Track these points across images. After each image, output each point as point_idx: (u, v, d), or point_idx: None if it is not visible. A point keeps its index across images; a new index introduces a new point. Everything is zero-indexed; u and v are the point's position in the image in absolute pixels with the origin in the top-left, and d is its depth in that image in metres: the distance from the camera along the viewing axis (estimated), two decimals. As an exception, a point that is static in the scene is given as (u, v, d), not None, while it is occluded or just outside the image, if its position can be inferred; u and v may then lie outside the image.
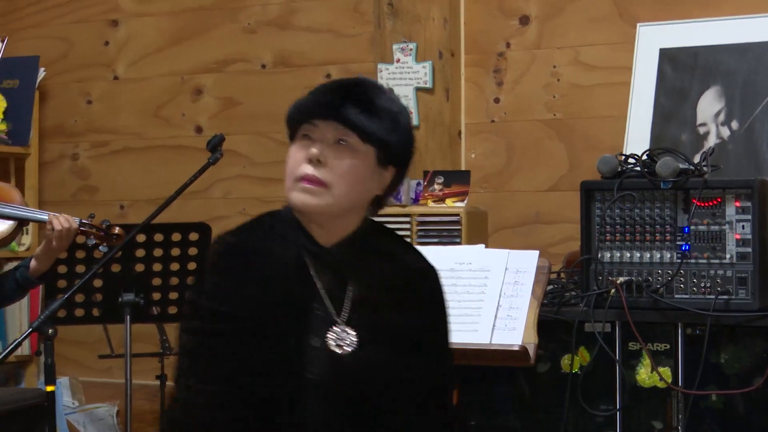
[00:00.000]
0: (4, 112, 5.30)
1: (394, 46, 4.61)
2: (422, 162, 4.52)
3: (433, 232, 4.11)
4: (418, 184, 4.34)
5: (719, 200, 3.55)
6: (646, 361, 3.57)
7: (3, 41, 3.63)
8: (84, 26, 5.44)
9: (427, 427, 2.62)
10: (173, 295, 4.23)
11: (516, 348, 3.34)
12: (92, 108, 5.45)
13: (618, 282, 3.57)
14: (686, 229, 3.58)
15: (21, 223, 3.94)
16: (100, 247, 3.85)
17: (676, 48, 4.21)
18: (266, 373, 2.53)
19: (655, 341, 3.59)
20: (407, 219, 4.14)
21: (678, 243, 3.59)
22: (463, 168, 4.62)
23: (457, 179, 4.23)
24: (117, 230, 3.87)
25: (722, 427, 3.54)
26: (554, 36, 4.58)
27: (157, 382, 4.60)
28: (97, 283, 4.15)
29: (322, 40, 4.95)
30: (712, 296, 3.51)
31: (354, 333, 2.57)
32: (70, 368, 5.32)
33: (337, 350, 2.56)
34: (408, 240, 4.07)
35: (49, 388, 3.74)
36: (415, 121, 4.57)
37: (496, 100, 4.67)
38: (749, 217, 3.52)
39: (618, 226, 3.66)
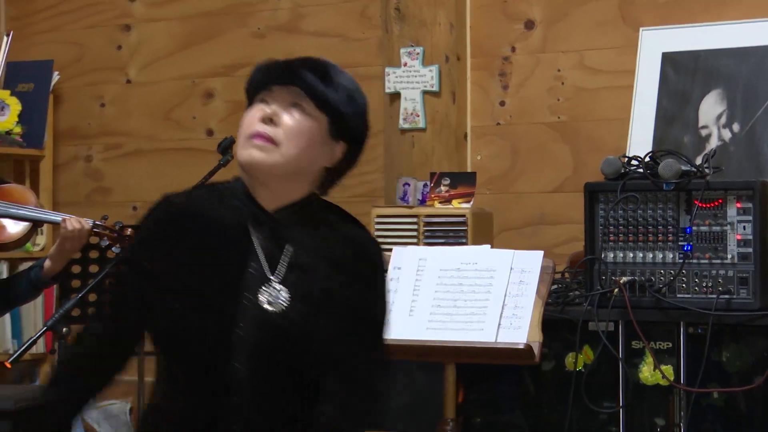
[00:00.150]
0: (20, 115, 5.30)
1: (402, 50, 4.61)
2: (429, 164, 4.52)
3: (439, 233, 4.11)
4: (425, 185, 4.33)
5: (721, 201, 3.55)
6: (649, 359, 3.56)
7: (8, 36, 3.63)
8: (97, 31, 5.44)
9: (333, 397, 2.59)
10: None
11: (521, 346, 3.34)
12: (105, 111, 5.45)
13: (621, 282, 3.56)
14: (688, 229, 3.57)
15: (36, 224, 3.95)
16: (113, 248, 3.86)
17: (679, 52, 4.21)
18: (189, 327, 2.53)
19: (657, 340, 3.58)
20: (414, 220, 4.14)
21: (680, 243, 3.58)
22: (468, 170, 4.62)
23: (463, 181, 4.23)
24: (130, 231, 3.88)
25: (724, 424, 3.54)
26: (558, 40, 4.57)
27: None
28: (110, 282, 4.15)
29: (330, 45, 4.95)
30: (714, 296, 3.51)
31: (287, 291, 2.57)
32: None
33: (269, 307, 2.56)
34: (416, 239, 4.08)
35: (63, 386, 3.73)
36: (421, 124, 4.57)
37: (502, 103, 4.66)
38: (750, 218, 3.51)
39: (621, 227, 3.65)
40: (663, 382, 3.55)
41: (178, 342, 2.59)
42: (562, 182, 4.55)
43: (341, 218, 2.73)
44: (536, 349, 3.33)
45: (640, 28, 4.30)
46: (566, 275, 3.97)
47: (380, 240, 4.11)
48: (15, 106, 5.30)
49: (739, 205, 3.53)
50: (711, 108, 4.12)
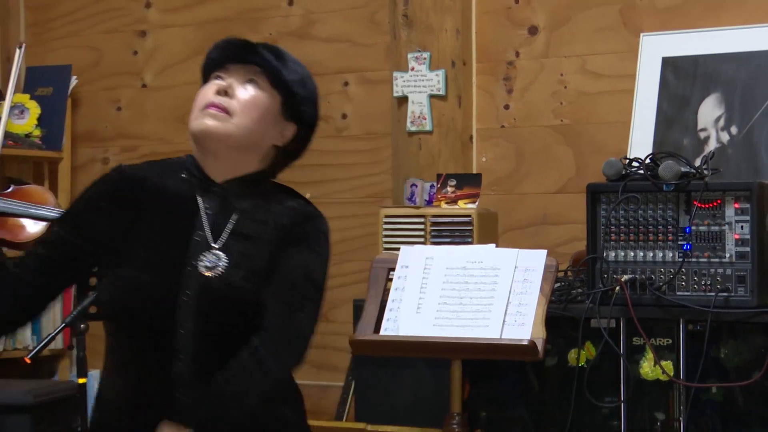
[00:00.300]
0: (39, 119, 5.32)
1: (409, 55, 4.61)
2: (435, 165, 4.53)
3: (446, 232, 4.11)
4: (432, 186, 4.34)
5: (719, 202, 3.55)
6: (650, 355, 3.56)
7: (21, 48, 3.64)
8: (114, 37, 5.45)
9: (261, 333, 2.58)
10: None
11: (525, 343, 3.33)
12: (121, 114, 5.46)
13: (622, 280, 3.56)
14: (688, 229, 3.57)
15: (54, 224, 3.96)
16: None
17: (678, 57, 4.20)
18: (139, 293, 2.54)
19: (658, 336, 3.58)
20: (421, 220, 4.14)
21: (680, 243, 3.58)
22: (474, 171, 4.62)
23: (468, 182, 4.23)
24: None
25: (722, 418, 3.54)
26: (561, 45, 4.58)
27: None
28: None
29: (340, 50, 4.96)
30: (713, 293, 3.51)
31: (226, 257, 2.57)
32: (101, 361, 5.32)
33: (208, 273, 2.56)
34: (423, 238, 4.09)
35: (81, 381, 3.75)
36: (428, 127, 4.57)
37: (506, 107, 4.67)
38: (748, 218, 3.51)
39: (622, 227, 3.66)
40: (663, 378, 3.56)
41: (128, 308, 2.58)
42: (565, 183, 4.55)
43: (290, 195, 2.72)
44: (540, 346, 3.33)
45: (641, 34, 4.30)
46: (569, 274, 3.97)
47: (388, 239, 4.15)
48: (34, 109, 5.32)
49: (737, 205, 3.53)
50: (710, 111, 4.12)
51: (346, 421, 4.43)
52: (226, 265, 2.58)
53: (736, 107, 4.08)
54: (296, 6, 5.05)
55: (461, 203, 4.18)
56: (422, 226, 4.13)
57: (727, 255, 3.54)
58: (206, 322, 2.55)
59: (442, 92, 4.58)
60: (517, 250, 3.51)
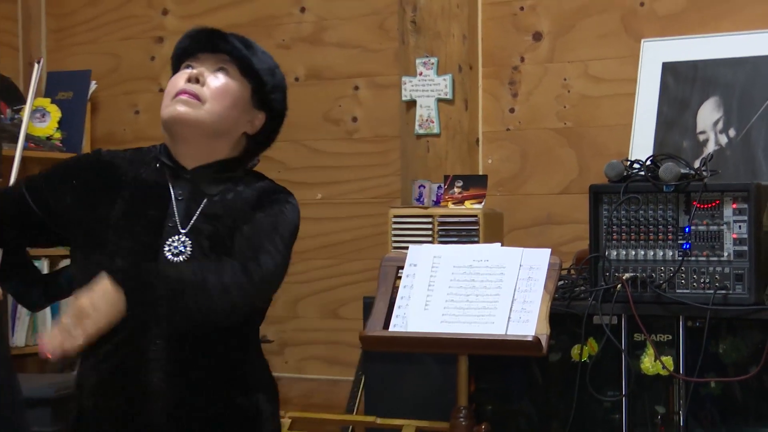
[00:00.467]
0: (60, 122, 5.33)
1: (417, 61, 4.61)
2: (443, 167, 4.53)
3: (453, 232, 4.11)
4: (439, 187, 4.34)
5: (718, 202, 3.54)
6: (650, 351, 3.56)
7: (39, 63, 3.64)
8: (132, 43, 5.46)
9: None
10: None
11: (529, 339, 3.33)
12: (139, 118, 5.47)
13: (624, 278, 3.56)
14: (687, 229, 3.57)
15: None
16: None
17: (678, 62, 4.20)
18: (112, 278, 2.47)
19: (658, 332, 3.58)
20: (429, 220, 4.14)
21: (679, 242, 3.58)
22: (480, 173, 4.62)
23: (475, 183, 4.23)
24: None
25: (720, 411, 3.53)
26: (565, 51, 4.57)
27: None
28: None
29: (350, 55, 4.96)
30: (711, 291, 3.50)
31: (191, 241, 2.52)
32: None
33: (173, 258, 2.52)
34: (431, 238, 4.09)
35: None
36: (436, 130, 4.57)
37: (511, 110, 4.66)
38: (745, 218, 3.51)
39: (624, 227, 3.65)
40: (663, 373, 3.55)
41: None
42: (568, 184, 4.55)
43: (260, 178, 2.68)
44: (544, 342, 3.32)
45: (642, 40, 4.30)
46: (572, 272, 3.97)
47: (397, 238, 4.15)
48: (55, 113, 5.33)
49: (735, 205, 3.52)
50: (708, 114, 4.12)
51: (357, 414, 4.44)
52: (191, 249, 2.53)
53: (734, 110, 4.07)
54: (309, 13, 5.05)
55: (468, 204, 4.18)
56: (430, 226, 4.13)
57: (726, 254, 3.53)
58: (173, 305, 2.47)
59: (449, 96, 4.58)
60: (522, 249, 3.51)
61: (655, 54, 4.24)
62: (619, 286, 3.56)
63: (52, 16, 5.65)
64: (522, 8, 4.63)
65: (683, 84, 4.17)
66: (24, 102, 5.03)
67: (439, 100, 4.59)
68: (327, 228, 4.97)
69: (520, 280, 3.42)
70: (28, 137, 5.04)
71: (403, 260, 3.53)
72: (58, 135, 5.32)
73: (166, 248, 2.53)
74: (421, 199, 4.45)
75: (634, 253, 3.64)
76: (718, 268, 3.54)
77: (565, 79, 4.57)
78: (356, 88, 4.94)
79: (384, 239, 4.27)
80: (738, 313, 3.49)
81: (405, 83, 4.64)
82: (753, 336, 3.50)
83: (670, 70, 4.21)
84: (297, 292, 5.02)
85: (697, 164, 3.71)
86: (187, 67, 2.64)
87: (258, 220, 2.56)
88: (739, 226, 3.52)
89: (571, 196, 4.48)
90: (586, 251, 3.78)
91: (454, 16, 4.59)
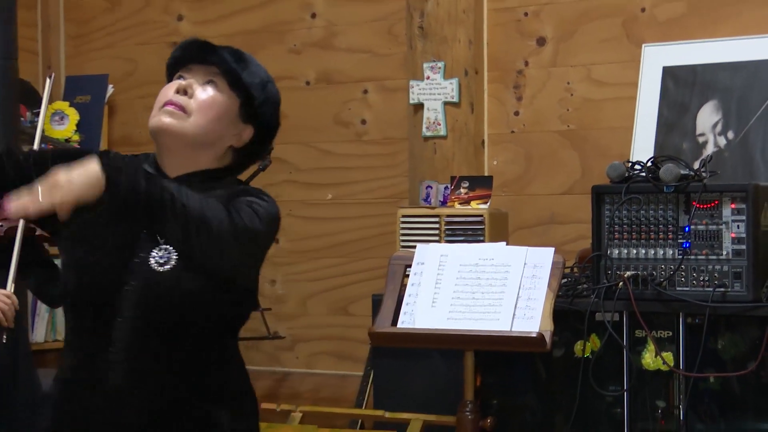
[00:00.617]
0: (78, 125, 5.34)
1: (425, 65, 4.62)
2: (449, 168, 4.53)
3: (459, 231, 4.12)
4: (446, 188, 4.34)
5: (717, 202, 3.54)
6: (651, 347, 3.56)
7: (50, 78, 3.64)
8: (148, 48, 5.47)
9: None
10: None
11: (534, 335, 3.34)
12: (155, 121, 5.47)
13: (625, 276, 3.56)
14: (687, 228, 3.57)
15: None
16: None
17: (678, 66, 4.20)
18: (87, 277, 2.45)
19: (658, 329, 3.58)
20: (436, 219, 4.15)
21: (679, 241, 3.58)
22: (486, 174, 4.62)
23: (480, 184, 4.24)
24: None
25: (719, 406, 3.53)
26: (568, 55, 4.57)
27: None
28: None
29: (359, 60, 4.96)
30: (711, 289, 3.50)
31: (176, 253, 2.47)
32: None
33: (157, 267, 2.46)
34: (438, 237, 4.09)
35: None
36: (443, 132, 4.58)
37: (516, 113, 4.67)
38: (744, 217, 3.51)
39: (625, 226, 3.66)
40: (664, 368, 3.55)
41: (73, 288, 2.51)
42: (571, 185, 4.55)
43: (240, 184, 2.64)
44: (548, 338, 3.33)
45: (643, 45, 4.30)
46: (575, 270, 3.97)
47: (405, 238, 4.15)
48: (73, 116, 5.34)
49: (733, 205, 3.52)
50: (708, 117, 4.12)
51: (366, 408, 4.44)
52: (175, 260, 2.47)
53: (733, 113, 4.07)
54: (319, 19, 5.06)
55: (474, 204, 4.19)
56: (437, 226, 4.14)
57: (724, 252, 3.53)
58: (146, 313, 2.46)
59: (455, 99, 4.58)
60: (526, 247, 3.52)
61: (656, 58, 4.24)
62: (620, 283, 3.57)
63: (70, 22, 5.66)
64: (526, 14, 4.63)
65: (683, 88, 4.17)
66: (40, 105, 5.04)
67: (446, 103, 4.60)
68: (337, 227, 4.97)
69: (524, 278, 3.43)
70: (48, 139, 5.05)
71: (411, 259, 3.53)
72: (76, 137, 5.33)
73: (151, 258, 2.48)
74: (429, 200, 4.45)
75: (635, 251, 3.64)
76: (717, 267, 3.54)
77: (568, 83, 4.57)
78: (365, 91, 4.94)
79: (392, 238, 4.27)
80: (736, 310, 3.49)
81: (413, 87, 4.65)
82: (751, 332, 3.50)
83: (670, 74, 4.21)
84: (308, 290, 5.02)
85: (696, 165, 3.71)
86: (179, 77, 2.61)
87: (234, 203, 2.50)
88: (738, 226, 3.52)
89: (574, 196, 4.49)
90: (588, 250, 3.78)
91: (461, 22, 4.59)
